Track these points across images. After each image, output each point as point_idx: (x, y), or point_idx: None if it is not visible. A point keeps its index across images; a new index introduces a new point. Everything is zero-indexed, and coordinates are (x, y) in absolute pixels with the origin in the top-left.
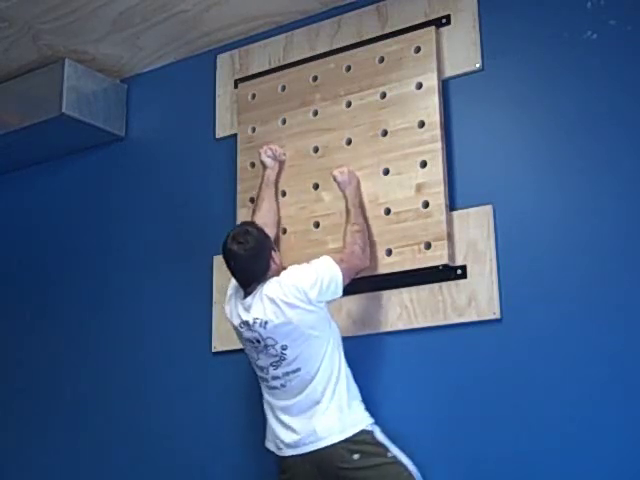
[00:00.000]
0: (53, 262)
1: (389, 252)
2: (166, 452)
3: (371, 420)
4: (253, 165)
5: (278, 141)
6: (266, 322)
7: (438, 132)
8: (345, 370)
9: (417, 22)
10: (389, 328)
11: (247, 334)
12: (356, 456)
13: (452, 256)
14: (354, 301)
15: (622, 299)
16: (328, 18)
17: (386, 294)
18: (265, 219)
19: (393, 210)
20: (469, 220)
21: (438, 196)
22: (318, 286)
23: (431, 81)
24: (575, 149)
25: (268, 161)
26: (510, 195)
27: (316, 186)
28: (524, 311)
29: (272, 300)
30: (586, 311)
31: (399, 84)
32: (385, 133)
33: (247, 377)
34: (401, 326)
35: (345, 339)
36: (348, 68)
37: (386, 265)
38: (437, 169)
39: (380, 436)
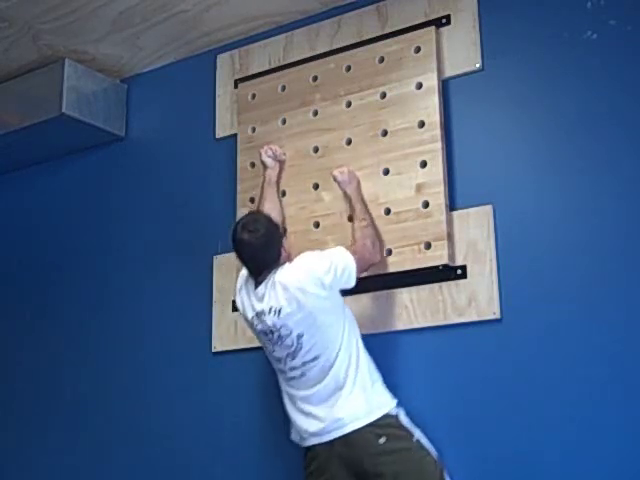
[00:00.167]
0: (53, 262)
1: (389, 252)
2: (166, 452)
3: (395, 401)
4: (253, 165)
5: (278, 141)
6: (280, 309)
7: (438, 132)
8: (364, 353)
9: (417, 22)
10: (389, 328)
11: (261, 326)
12: (382, 440)
13: (452, 256)
14: (354, 301)
15: (622, 299)
16: (328, 18)
17: (386, 294)
18: None
19: (393, 210)
20: (469, 220)
21: (438, 196)
22: (332, 272)
23: (431, 81)
24: (575, 149)
25: (269, 161)
26: (510, 195)
27: (316, 186)
28: (524, 311)
29: (285, 286)
30: (586, 311)
31: (399, 84)
32: (385, 133)
33: (247, 377)
34: (401, 326)
35: None
36: (348, 68)
37: (386, 265)
38: (437, 169)
39: (404, 419)
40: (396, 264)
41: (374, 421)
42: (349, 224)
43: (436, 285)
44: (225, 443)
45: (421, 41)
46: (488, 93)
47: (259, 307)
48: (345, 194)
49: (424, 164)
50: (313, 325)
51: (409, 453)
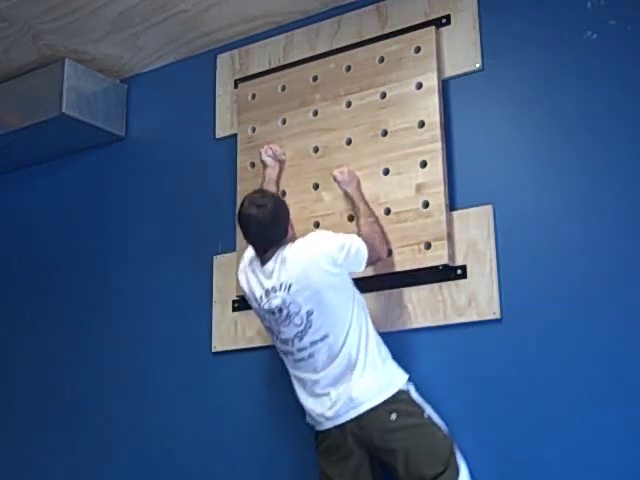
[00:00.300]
0: (53, 262)
1: (389, 252)
2: (166, 452)
3: (407, 376)
4: (253, 165)
5: (278, 141)
6: (290, 285)
7: (438, 132)
8: (373, 331)
9: (417, 22)
10: (389, 328)
11: (270, 304)
12: (393, 416)
13: (452, 256)
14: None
15: (622, 299)
16: (328, 18)
17: (386, 294)
18: None
19: (393, 210)
20: (469, 220)
21: (438, 196)
22: (345, 251)
23: (431, 81)
24: (575, 149)
25: (269, 160)
26: (510, 195)
27: (316, 186)
28: (524, 311)
29: (296, 262)
30: (586, 311)
31: (399, 84)
32: (385, 133)
33: (247, 377)
34: (401, 326)
35: None
36: (348, 68)
37: (386, 265)
38: (437, 169)
39: (415, 395)
40: (396, 264)
41: (387, 398)
42: (349, 224)
43: (436, 285)
44: (225, 443)
45: (421, 41)
46: (488, 93)
47: (268, 284)
48: (346, 194)
49: (424, 164)
50: (322, 302)
51: (420, 429)
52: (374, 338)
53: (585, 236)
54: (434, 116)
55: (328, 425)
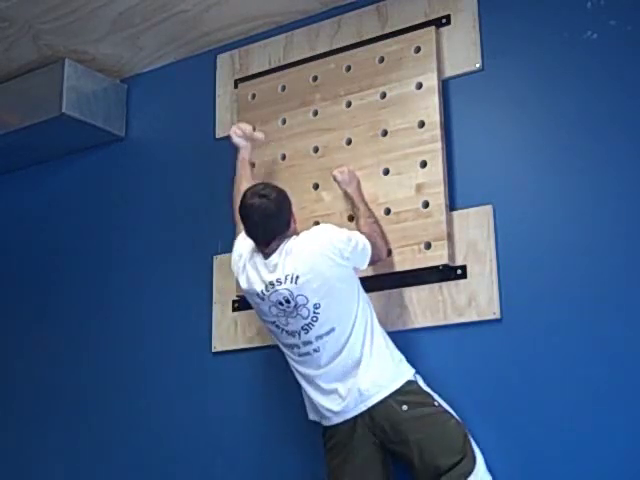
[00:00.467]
0: (53, 262)
1: (389, 252)
2: (166, 452)
3: (413, 370)
4: (253, 165)
5: (278, 141)
6: (297, 277)
7: (438, 132)
8: (378, 324)
9: (417, 22)
10: (389, 328)
11: (275, 296)
12: (405, 407)
13: (452, 256)
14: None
15: (622, 299)
16: (328, 18)
17: (386, 294)
18: None
19: (393, 210)
20: (469, 220)
21: (438, 196)
22: (353, 244)
23: (431, 81)
24: (575, 149)
25: (239, 141)
26: (510, 195)
27: (316, 186)
28: (524, 311)
29: (303, 253)
30: (586, 311)
31: (399, 84)
32: (385, 133)
33: (247, 377)
34: (401, 326)
35: None
36: (348, 68)
37: (386, 265)
38: (437, 169)
39: (424, 385)
40: (396, 264)
41: (397, 389)
42: (349, 224)
43: (436, 285)
44: (225, 443)
45: (421, 41)
46: (488, 93)
47: (271, 277)
48: (345, 194)
49: (424, 164)
50: (329, 294)
51: (432, 418)
52: (379, 331)
53: (585, 236)
54: (434, 116)
55: (336, 420)
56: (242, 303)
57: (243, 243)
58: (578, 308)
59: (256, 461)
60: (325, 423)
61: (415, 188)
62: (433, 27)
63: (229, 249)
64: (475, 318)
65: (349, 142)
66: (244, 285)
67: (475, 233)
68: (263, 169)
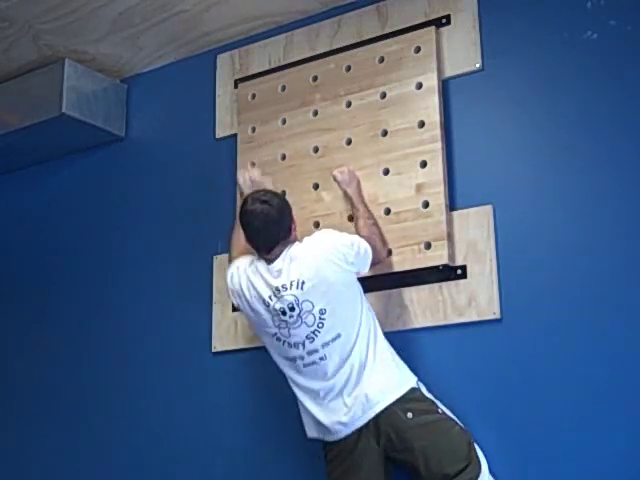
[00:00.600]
0: (53, 262)
1: (389, 252)
2: (166, 452)
3: (416, 377)
4: (253, 165)
5: (278, 141)
6: (303, 282)
7: (438, 132)
8: (381, 331)
9: (417, 22)
10: (389, 328)
11: (281, 302)
12: (409, 414)
13: (452, 256)
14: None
15: (622, 299)
16: (328, 18)
17: (386, 294)
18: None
19: (393, 210)
20: (469, 220)
21: (438, 196)
22: (356, 248)
23: (431, 81)
24: (575, 149)
25: (245, 187)
26: (510, 195)
27: (316, 186)
28: (524, 311)
29: (307, 258)
30: (586, 311)
31: (399, 84)
32: (385, 133)
33: (247, 377)
34: (401, 326)
35: None
36: (348, 68)
37: (386, 265)
38: (437, 169)
39: (427, 393)
40: (396, 264)
41: (401, 396)
42: (349, 224)
43: (436, 285)
44: (225, 443)
45: (421, 41)
46: (488, 93)
47: (277, 283)
48: (345, 194)
49: (424, 164)
50: (335, 299)
51: (437, 425)
52: (382, 337)
53: (585, 236)
54: (434, 116)
55: (345, 432)
56: None
57: (241, 261)
58: (578, 308)
59: (256, 461)
60: (329, 438)
61: (415, 188)
62: (433, 27)
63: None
64: (475, 318)
65: (349, 142)
66: (247, 294)
67: (475, 233)
68: (263, 169)
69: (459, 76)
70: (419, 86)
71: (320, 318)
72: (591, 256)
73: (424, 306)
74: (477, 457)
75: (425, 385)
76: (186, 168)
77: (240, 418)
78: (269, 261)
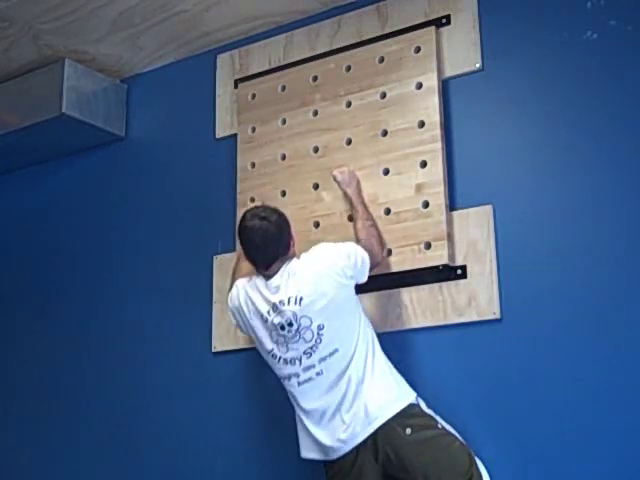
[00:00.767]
0: (53, 262)
1: (389, 252)
2: (166, 452)
3: (415, 393)
4: (253, 165)
5: (278, 141)
6: (301, 298)
7: (438, 132)
8: (379, 347)
9: (417, 22)
10: (389, 328)
11: (279, 318)
12: (408, 430)
13: (452, 256)
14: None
15: (622, 299)
16: (328, 18)
17: (386, 294)
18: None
19: (393, 210)
20: (469, 220)
21: (438, 196)
22: (353, 261)
23: (431, 81)
24: (575, 149)
25: None
26: (510, 195)
27: (316, 186)
28: (524, 311)
29: (306, 274)
30: (586, 311)
31: (399, 84)
32: (385, 133)
33: (247, 377)
34: (401, 326)
35: None
36: (348, 68)
37: (386, 265)
38: (437, 169)
39: (426, 408)
40: (396, 264)
41: (400, 411)
42: (349, 224)
43: (436, 285)
44: (225, 443)
45: (421, 41)
46: (488, 93)
47: (275, 299)
48: (345, 194)
49: (424, 164)
50: (334, 315)
51: (436, 441)
52: (380, 353)
53: (585, 236)
54: (434, 116)
55: (344, 449)
56: None
57: (240, 280)
58: (578, 308)
59: (256, 461)
60: (331, 457)
61: (415, 188)
62: (433, 27)
63: (229, 249)
64: (475, 318)
65: (349, 142)
66: (245, 309)
67: (475, 233)
68: (263, 169)
69: (459, 76)
70: (419, 86)
71: (318, 334)
72: (591, 256)
73: (424, 306)
74: (478, 471)
75: (425, 385)
76: (186, 168)
77: (240, 418)
78: (268, 277)
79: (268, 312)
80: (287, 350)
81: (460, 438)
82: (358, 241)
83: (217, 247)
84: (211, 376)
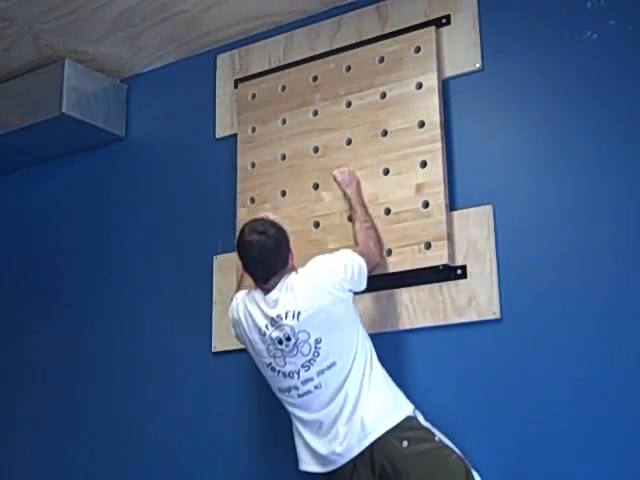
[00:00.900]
0: (53, 262)
1: (389, 252)
2: (166, 452)
3: (412, 406)
4: (253, 165)
5: (278, 141)
6: (299, 313)
7: (438, 132)
8: (377, 360)
9: (417, 22)
10: (389, 328)
11: (277, 332)
12: (405, 443)
13: (452, 256)
14: (354, 301)
15: (622, 299)
16: (328, 18)
17: (386, 294)
18: None
19: (393, 210)
20: (469, 220)
21: (438, 196)
22: (349, 273)
23: (431, 81)
24: (575, 149)
25: None
26: (510, 195)
27: (316, 186)
28: (524, 311)
29: (303, 289)
30: (586, 311)
31: (399, 84)
32: (385, 133)
33: (247, 377)
34: (401, 326)
35: None
36: (348, 68)
37: (386, 265)
38: (437, 169)
39: (423, 421)
40: (396, 264)
41: (397, 424)
42: (349, 224)
43: (436, 285)
44: (225, 443)
45: (421, 41)
46: (488, 93)
47: (273, 313)
48: (345, 195)
49: (424, 164)
50: (331, 329)
51: (433, 453)
52: (378, 366)
53: (585, 236)
54: (434, 116)
55: (341, 462)
56: None
57: (240, 292)
58: (578, 308)
59: (256, 461)
60: (328, 469)
61: (415, 188)
62: (433, 27)
63: (229, 249)
64: (475, 318)
65: (349, 142)
66: (244, 322)
67: (475, 233)
68: (263, 169)
69: (459, 76)
70: (419, 86)
71: (316, 347)
72: (591, 256)
73: (424, 306)
74: None
75: (424, 385)
76: (186, 168)
77: (240, 418)
78: (266, 291)
79: (266, 326)
80: (285, 364)
81: (457, 451)
82: (355, 244)
83: (217, 247)
84: (211, 376)
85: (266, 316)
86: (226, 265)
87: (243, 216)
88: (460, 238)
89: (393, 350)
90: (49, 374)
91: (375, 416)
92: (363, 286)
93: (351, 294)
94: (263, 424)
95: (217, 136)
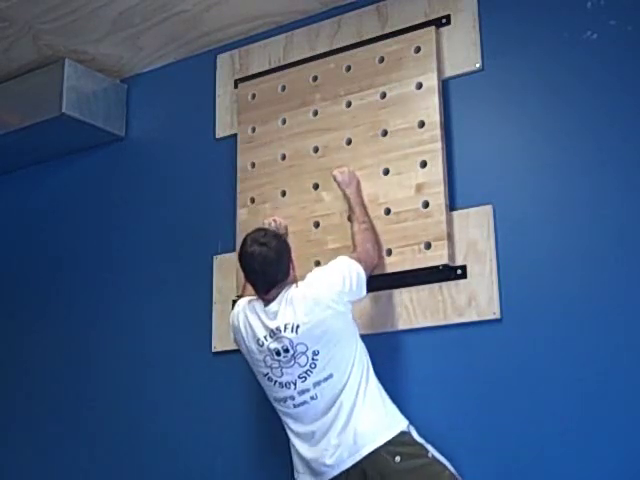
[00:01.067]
0: (53, 262)
1: (389, 252)
2: (166, 452)
3: (407, 421)
4: (253, 165)
5: (278, 141)
6: (298, 326)
7: (438, 132)
8: (373, 374)
9: (417, 22)
10: (389, 328)
11: (276, 344)
12: (397, 458)
13: (452, 256)
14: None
15: (622, 299)
16: (328, 18)
17: (386, 294)
18: None
19: (393, 210)
20: (469, 220)
21: (438, 196)
22: (348, 285)
23: (431, 81)
24: (575, 149)
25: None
26: (510, 195)
27: (316, 186)
28: (524, 311)
29: (302, 302)
30: (586, 311)
31: (399, 84)
32: (385, 133)
33: (247, 377)
34: (401, 326)
35: None
36: (348, 68)
37: (386, 265)
38: (437, 169)
39: (417, 436)
40: (396, 264)
41: (390, 439)
42: (349, 224)
43: (436, 285)
44: (225, 443)
45: (421, 41)
46: (488, 93)
47: (272, 325)
48: (344, 194)
49: (424, 164)
50: (330, 342)
51: (426, 470)
52: (374, 380)
53: (585, 236)
54: (434, 116)
55: (332, 473)
56: None
57: (242, 299)
58: (578, 308)
59: (256, 461)
60: (316, 479)
61: (415, 188)
62: (433, 27)
63: (229, 249)
64: (475, 318)
65: (349, 142)
66: (243, 331)
67: (475, 233)
68: (263, 169)
69: (459, 76)
70: (419, 86)
71: (313, 359)
72: (591, 256)
73: (424, 306)
74: None
75: (424, 385)
76: (186, 168)
77: (240, 418)
78: (267, 302)
79: (265, 337)
80: (282, 374)
81: (450, 468)
82: (353, 246)
83: (217, 247)
84: (211, 376)
85: (266, 327)
86: (226, 265)
87: (243, 216)
88: (460, 238)
89: (393, 350)
90: (49, 374)
91: (368, 430)
92: (363, 294)
93: (350, 306)
94: (263, 424)
95: (217, 136)
